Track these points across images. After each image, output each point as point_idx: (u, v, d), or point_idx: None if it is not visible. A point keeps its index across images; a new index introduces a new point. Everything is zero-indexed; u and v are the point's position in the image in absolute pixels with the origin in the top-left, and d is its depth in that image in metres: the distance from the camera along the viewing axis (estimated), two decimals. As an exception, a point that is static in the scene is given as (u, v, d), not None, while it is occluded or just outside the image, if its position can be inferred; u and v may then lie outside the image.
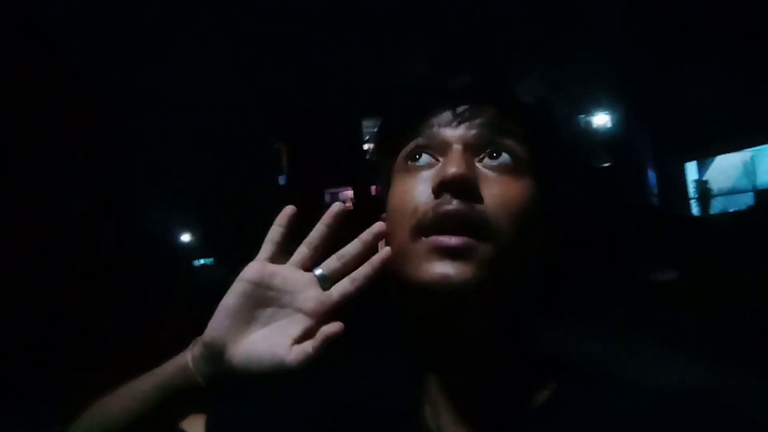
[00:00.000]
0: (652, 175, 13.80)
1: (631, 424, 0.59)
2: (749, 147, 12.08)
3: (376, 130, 0.75)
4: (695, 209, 13.21)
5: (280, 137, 17.51)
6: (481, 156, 0.63)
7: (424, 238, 0.59)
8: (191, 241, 16.26)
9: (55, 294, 5.25)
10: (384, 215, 0.69)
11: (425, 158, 0.64)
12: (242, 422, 0.72)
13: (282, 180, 18.05)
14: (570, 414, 0.62)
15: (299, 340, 0.60)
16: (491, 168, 0.62)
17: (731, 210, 12.39)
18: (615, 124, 14.20)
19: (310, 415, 0.72)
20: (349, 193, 16.05)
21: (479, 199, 0.59)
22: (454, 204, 0.58)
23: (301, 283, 0.63)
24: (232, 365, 0.60)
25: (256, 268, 0.64)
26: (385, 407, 0.70)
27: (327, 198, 17.47)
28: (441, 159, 0.63)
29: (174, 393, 0.63)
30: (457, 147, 0.62)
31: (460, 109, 0.64)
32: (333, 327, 0.60)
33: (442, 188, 0.59)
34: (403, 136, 0.66)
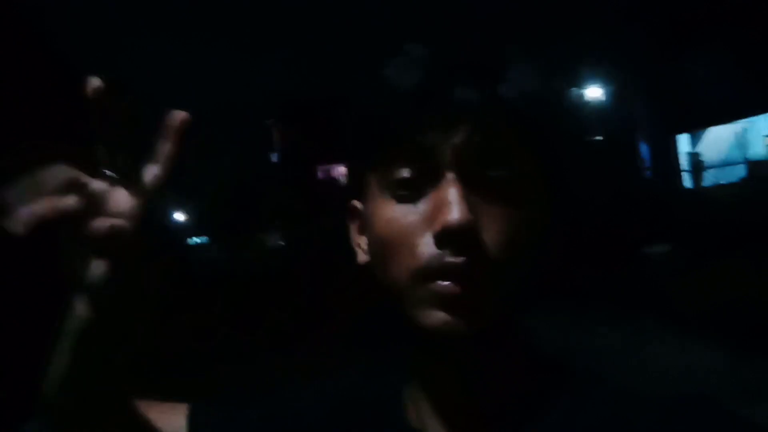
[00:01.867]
0: (644, 148, 13.82)
1: (624, 427, 0.58)
2: (741, 119, 12.08)
3: (352, 130, 0.70)
4: (688, 182, 13.26)
5: (271, 114, 17.38)
6: (475, 181, 0.58)
7: (426, 284, 0.57)
8: (185, 220, 16.21)
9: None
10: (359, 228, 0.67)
11: (414, 182, 0.59)
12: (228, 416, 0.71)
13: (274, 157, 17.95)
14: (561, 417, 0.61)
15: None
16: (487, 194, 0.58)
17: (723, 182, 12.43)
18: (607, 97, 14.19)
19: (296, 412, 0.71)
20: (342, 169, 15.99)
21: (482, 244, 0.57)
22: (459, 259, 0.56)
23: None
24: None
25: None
26: (372, 407, 0.69)
27: (320, 174, 17.41)
28: (432, 188, 0.58)
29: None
30: (450, 175, 0.57)
31: (451, 125, 0.59)
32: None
33: (444, 237, 0.56)
34: (386, 149, 0.61)
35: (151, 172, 0.54)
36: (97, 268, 0.53)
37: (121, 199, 0.53)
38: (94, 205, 0.51)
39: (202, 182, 15.28)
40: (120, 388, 0.63)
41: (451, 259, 0.56)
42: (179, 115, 0.55)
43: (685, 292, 6.17)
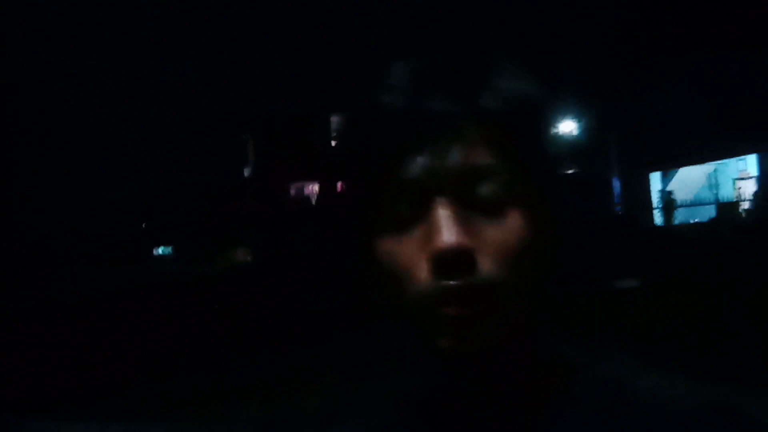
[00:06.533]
0: (616, 184, 14.10)
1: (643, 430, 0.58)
2: (713, 160, 12.40)
3: (337, 149, 0.67)
4: (658, 219, 13.53)
5: (246, 129, 17.45)
6: (465, 201, 0.56)
7: (430, 312, 0.55)
8: (150, 228, 16.06)
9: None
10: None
11: (404, 212, 0.58)
12: None
13: (246, 172, 17.97)
14: (580, 419, 0.60)
15: None
16: (479, 213, 0.56)
17: (693, 221, 12.73)
18: (581, 131, 14.46)
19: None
20: (315, 187, 16.03)
21: (479, 265, 0.55)
22: (456, 283, 0.54)
23: None
24: None
25: None
26: (386, 412, 0.68)
27: (292, 192, 17.43)
28: (424, 215, 0.56)
29: None
30: (439, 200, 0.55)
31: (432, 150, 0.57)
32: None
33: (439, 263, 0.54)
34: (370, 183, 0.60)
35: None
36: None
37: None
38: None
39: (170, 191, 15.16)
40: None
41: (448, 283, 0.54)
42: None
43: (652, 326, 6.23)
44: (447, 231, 0.54)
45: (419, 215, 0.57)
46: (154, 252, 15.24)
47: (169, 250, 15.57)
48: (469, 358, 0.56)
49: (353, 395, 0.73)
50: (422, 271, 0.55)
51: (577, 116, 14.16)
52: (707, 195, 12.80)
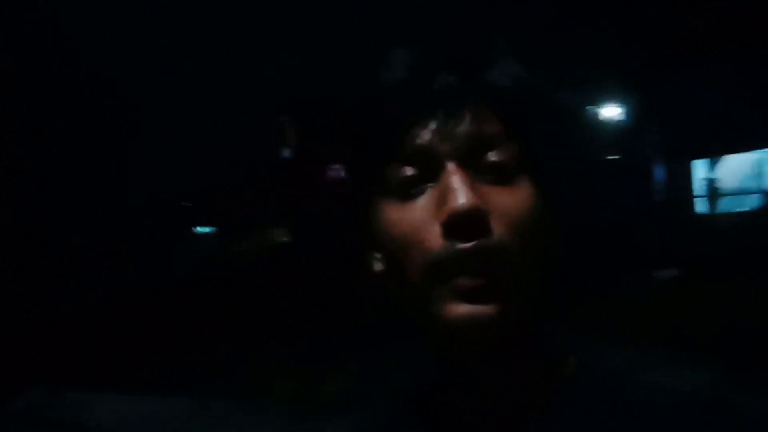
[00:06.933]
0: (659, 171, 13.78)
1: (645, 426, 0.58)
2: (759, 148, 12.05)
3: (349, 143, 0.68)
4: (702, 207, 13.20)
5: (285, 110, 17.48)
6: (476, 168, 0.58)
7: (442, 281, 0.55)
8: (192, 208, 16.25)
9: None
10: (370, 249, 0.65)
11: (415, 179, 0.59)
12: None
13: (285, 153, 18.02)
14: (581, 416, 0.60)
15: None
16: (489, 180, 0.58)
17: (738, 210, 12.39)
18: (624, 117, 14.14)
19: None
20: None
21: (492, 230, 0.56)
22: (470, 244, 0.54)
23: None
24: None
25: None
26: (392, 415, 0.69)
27: (331, 173, 17.45)
28: (434, 181, 0.58)
29: None
30: (451, 165, 0.57)
31: (443, 116, 0.58)
32: None
33: (452, 225, 0.55)
34: (381, 152, 0.60)
35: None
36: None
37: None
38: None
39: (212, 172, 15.32)
40: None
41: (463, 245, 0.54)
42: None
43: (690, 318, 6.13)
44: (461, 192, 0.55)
45: (430, 179, 0.58)
46: (196, 231, 15.46)
47: (210, 229, 15.79)
48: (484, 332, 0.55)
49: (365, 385, 0.76)
50: (436, 238, 0.56)
51: (619, 102, 13.87)
52: (753, 183, 12.44)
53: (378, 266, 0.64)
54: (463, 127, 0.58)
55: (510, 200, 0.57)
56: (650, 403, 0.59)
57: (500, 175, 0.58)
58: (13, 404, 4.05)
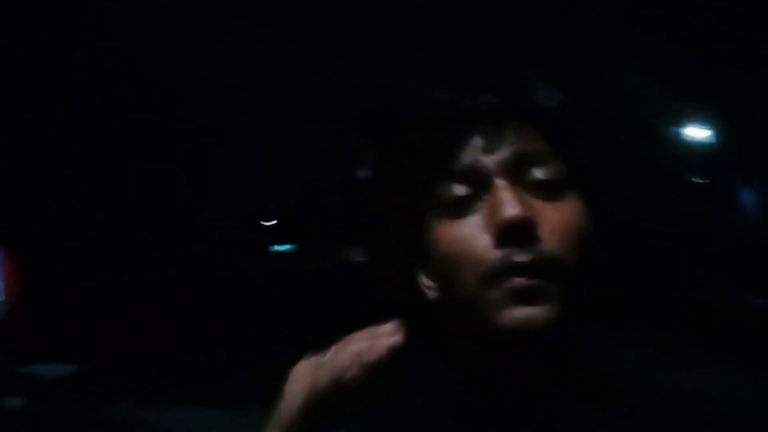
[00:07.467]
0: (750, 194, 13.24)
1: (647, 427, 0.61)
2: None
3: (392, 165, 0.72)
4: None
5: (365, 131, 17.77)
6: (523, 185, 0.62)
7: (497, 285, 0.59)
8: (270, 226, 16.63)
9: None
10: (421, 267, 0.68)
11: (466, 198, 0.63)
12: None
13: (362, 174, 18.28)
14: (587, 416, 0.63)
15: None
16: (537, 196, 0.62)
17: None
18: (713, 137, 13.68)
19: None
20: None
21: (541, 240, 0.60)
22: (523, 255, 0.59)
23: None
24: None
25: None
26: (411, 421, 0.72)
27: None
28: (485, 196, 0.62)
29: None
30: (499, 181, 0.61)
31: (489, 133, 0.63)
32: None
33: (504, 233, 0.59)
34: (429, 170, 0.65)
35: None
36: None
37: None
38: None
39: (291, 190, 15.66)
40: None
41: (517, 257, 0.58)
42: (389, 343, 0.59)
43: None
44: (511, 204, 0.59)
45: (480, 197, 0.62)
46: (273, 249, 15.84)
47: (288, 248, 16.14)
48: (539, 334, 0.58)
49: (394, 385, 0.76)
50: (488, 249, 0.60)
51: (700, 117, 13.43)
52: None
53: (432, 294, 0.68)
54: (508, 144, 0.62)
55: (557, 216, 0.61)
56: (658, 407, 0.63)
57: (547, 192, 0.62)
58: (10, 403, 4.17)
